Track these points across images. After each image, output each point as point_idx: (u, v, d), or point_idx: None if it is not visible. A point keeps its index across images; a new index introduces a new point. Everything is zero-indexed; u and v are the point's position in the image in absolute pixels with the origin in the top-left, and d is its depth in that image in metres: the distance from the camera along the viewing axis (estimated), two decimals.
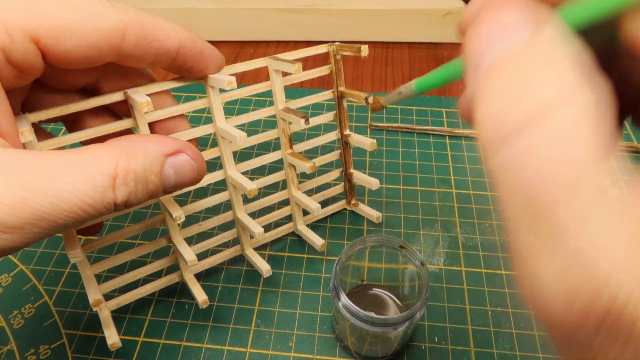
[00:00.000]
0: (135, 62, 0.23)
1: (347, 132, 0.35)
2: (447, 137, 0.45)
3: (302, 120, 0.28)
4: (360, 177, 0.36)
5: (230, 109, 0.48)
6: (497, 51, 0.12)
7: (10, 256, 0.37)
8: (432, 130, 0.46)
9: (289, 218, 0.36)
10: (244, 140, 0.26)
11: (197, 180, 0.23)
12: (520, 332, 0.32)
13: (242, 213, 0.32)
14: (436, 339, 0.32)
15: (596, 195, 0.10)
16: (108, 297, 0.30)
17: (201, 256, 0.34)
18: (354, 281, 0.33)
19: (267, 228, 0.36)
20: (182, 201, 0.39)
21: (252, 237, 0.33)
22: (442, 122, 0.47)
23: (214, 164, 0.41)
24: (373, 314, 0.26)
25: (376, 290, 0.33)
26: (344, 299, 0.27)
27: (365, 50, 0.30)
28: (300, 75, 0.31)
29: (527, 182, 0.11)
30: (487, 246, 0.37)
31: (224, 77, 0.25)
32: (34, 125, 0.23)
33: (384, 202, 0.40)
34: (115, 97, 0.25)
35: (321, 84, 0.50)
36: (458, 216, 0.39)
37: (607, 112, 0.11)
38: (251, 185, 0.27)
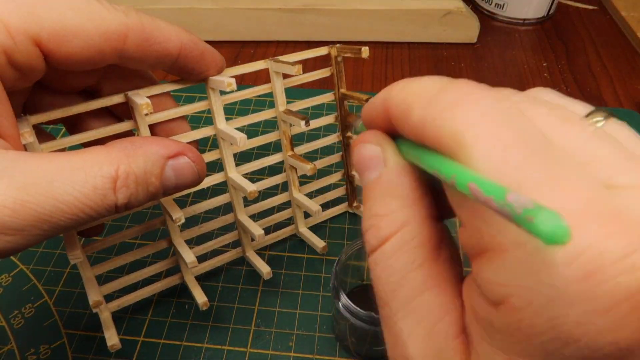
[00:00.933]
0: (137, 64, 0.23)
1: (348, 134, 0.35)
2: None
3: (303, 122, 0.28)
4: None
5: (231, 109, 0.48)
6: (364, 179, 0.17)
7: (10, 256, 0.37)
8: None
9: (290, 220, 0.36)
10: (244, 142, 0.26)
11: (197, 182, 0.23)
12: None
13: (242, 215, 0.32)
14: None
15: (407, 309, 0.15)
16: (108, 298, 0.30)
17: (201, 258, 0.34)
18: (354, 281, 0.33)
19: (268, 230, 0.36)
20: (182, 202, 0.39)
21: (253, 240, 0.33)
22: None
23: (215, 165, 0.41)
24: (373, 314, 0.26)
25: None
26: (344, 299, 0.27)
27: (365, 51, 0.30)
28: (301, 77, 0.31)
29: (377, 288, 0.16)
30: None
31: (224, 79, 0.25)
32: (34, 127, 0.23)
33: None
34: (116, 99, 0.25)
35: (322, 84, 0.50)
36: None
37: (426, 233, 0.15)
38: (251, 187, 0.27)
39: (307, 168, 0.30)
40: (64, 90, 0.25)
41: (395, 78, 0.53)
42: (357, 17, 0.55)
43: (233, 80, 0.25)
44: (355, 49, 0.30)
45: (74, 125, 0.27)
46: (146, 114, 0.25)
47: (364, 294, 0.33)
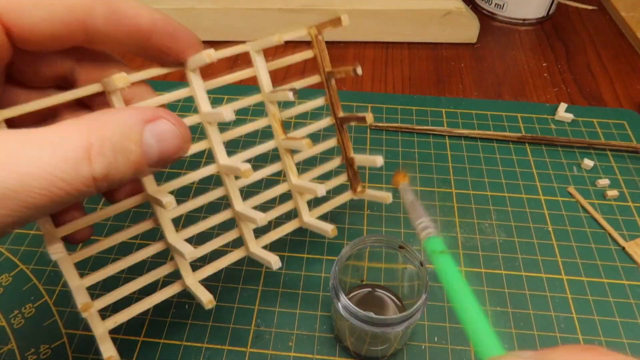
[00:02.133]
0: (107, 42, 0.22)
1: (341, 114, 0.34)
2: (446, 137, 0.46)
3: (290, 94, 0.27)
4: (362, 159, 0.34)
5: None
6: None
7: (10, 256, 0.37)
8: (432, 130, 0.46)
9: (293, 213, 0.34)
10: (230, 116, 0.24)
11: (183, 148, 0.21)
12: (520, 332, 0.32)
13: (240, 205, 0.30)
14: (436, 338, 0.32)
15: None
16: (103, 315, 0.28)
17: (202, 260, 0.33)
18: (354, 281, 0.34)
19: (268, 228, 0.34)
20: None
21: (255, 229, 0.31)
22: (442, 122, 0.47)
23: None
24: (372, 314, 0.26)
25: (376, 290, 0.33)
26: (344, 299, 0.27)
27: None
28: (284, 60, 0.30)
29: None
30: (487, 246, 0.37)
31: (203, 52, 0.24)
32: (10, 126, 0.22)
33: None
34: (92, 88, 0.24)
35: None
36: (458, 216, 0.39)
37: None
38: (245, 166, 0.25)
39: (302, 144, 0.28)
40: (37, 84, 0.24)
41: (395, 78, 0.53)
42: (357, 17, 0.55)
43: (212, 50, 0.24)
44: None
45: (48, 121, 0.25)
46: (122, 89, 0.23)
47: (364, 294, 0.33)
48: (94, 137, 0.17)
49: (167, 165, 0.21)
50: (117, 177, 0.18)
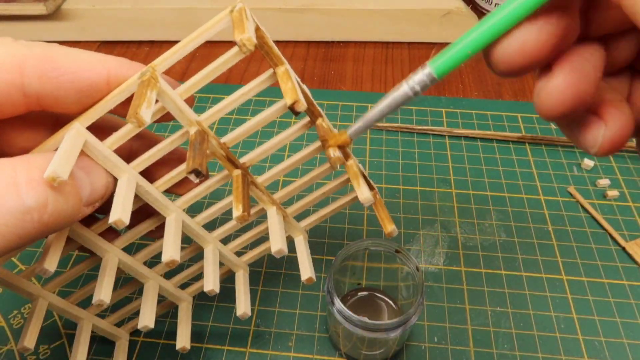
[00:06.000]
0: (56, 103, 0.19)
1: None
2: (446, 137, 0.45)
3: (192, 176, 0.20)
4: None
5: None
6: None
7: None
8: (432, 130, 0.46)
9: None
10: None
11: (109, 187, 0.21)
12: (519, 332, 0.32)
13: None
14: (436, 338, 0.32)
15: None
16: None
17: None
18: (352, 282, 0.33)
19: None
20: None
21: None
22: (442, 122, 0.47)
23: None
24: (366, 319, 0.26)
25: (373, 293, 0.33)
26: (338, 303, 0.27)
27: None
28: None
29: None
30: (487, 246, 0.37)
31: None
32: None
33: (384, 203, 0.40)
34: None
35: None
36: (458, 216, 0.39)
37: None
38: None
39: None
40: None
41: (395, 78, 0.53)
42: (357, 17, 0.55)
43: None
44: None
45: None
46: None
47: (361, 297, 0.33)
48: (20, 170, 0.17)
49: (97, 204, 0.20)
50: (57, 212, 0.18)
